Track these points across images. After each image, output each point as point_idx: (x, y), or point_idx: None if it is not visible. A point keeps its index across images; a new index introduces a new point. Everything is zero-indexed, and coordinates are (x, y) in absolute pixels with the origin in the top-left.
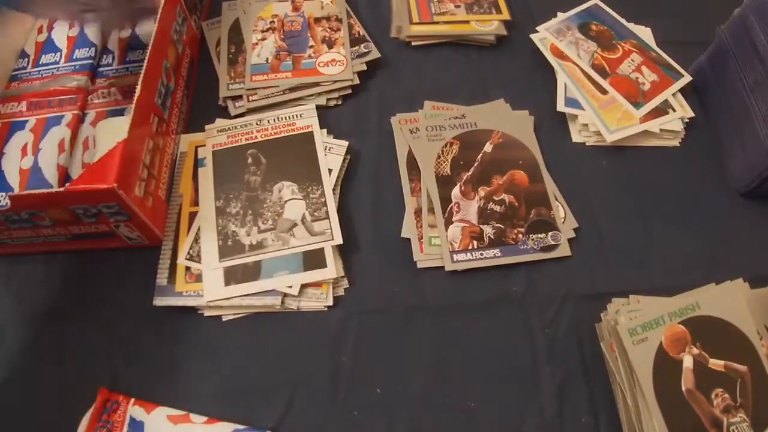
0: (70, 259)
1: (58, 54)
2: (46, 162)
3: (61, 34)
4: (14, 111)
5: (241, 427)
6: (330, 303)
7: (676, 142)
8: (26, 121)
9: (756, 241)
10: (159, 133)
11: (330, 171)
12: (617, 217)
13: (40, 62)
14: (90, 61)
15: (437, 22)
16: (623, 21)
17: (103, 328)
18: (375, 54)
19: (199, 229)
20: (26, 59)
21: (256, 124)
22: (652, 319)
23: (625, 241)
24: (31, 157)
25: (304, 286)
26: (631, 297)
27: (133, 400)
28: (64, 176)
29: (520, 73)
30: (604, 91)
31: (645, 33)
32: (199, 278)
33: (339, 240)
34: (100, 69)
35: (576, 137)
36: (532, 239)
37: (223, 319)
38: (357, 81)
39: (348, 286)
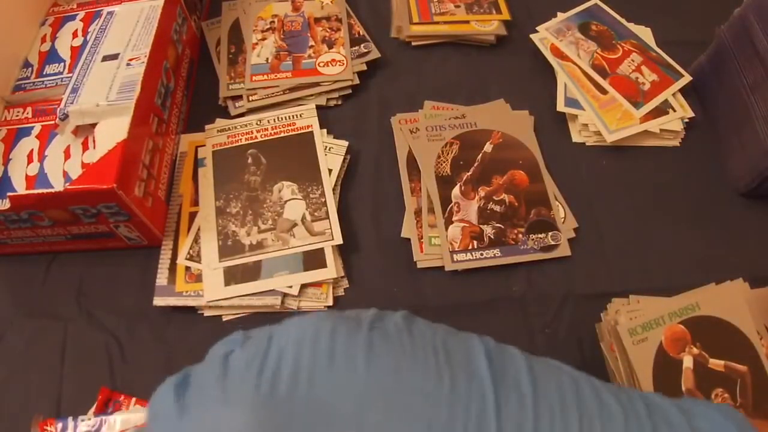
0: (70, 259)
1: (62, 64)
2: (52, 168)
3: (65, 43)
4: (20, 117)
5: None
6: (330, 303)
7: (676, 142)
8: (32, 128)
9: (756, 241)
10: (159, 134)
11: (330, 171)
12: (617, 217)
13: (44, 72)
14: None
15: (437, 22)
16: (623, 21)
17: (103, 328)
18: (375, 54)
19: (199, 229)
20: (30, 69)
21: (256, 124)
22: (652, 319)
23: (625, 241)
24: (37, 163)
25: (304, 286)
26: (631, 297)
27: (134, 399)
28: None
29: (520, 73)
30: (604, 91)
31: (645, 33)
32: (199, 278)
33: (339, 240)
34: None
35: (576, 137)
36: (532, 239)
37: (223, 319)
38: (357, 81)
39: (348, 286)
